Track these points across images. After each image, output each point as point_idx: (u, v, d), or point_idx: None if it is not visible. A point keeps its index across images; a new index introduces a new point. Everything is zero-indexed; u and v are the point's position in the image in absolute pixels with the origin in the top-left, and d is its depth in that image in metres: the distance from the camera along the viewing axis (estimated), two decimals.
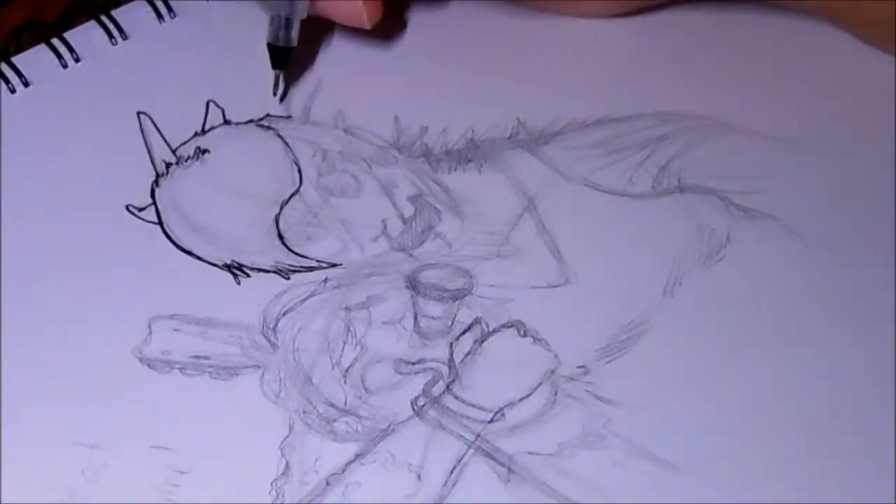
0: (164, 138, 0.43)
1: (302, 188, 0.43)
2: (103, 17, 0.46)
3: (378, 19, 0.43)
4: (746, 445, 0.37)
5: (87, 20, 0.47)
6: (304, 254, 0.41)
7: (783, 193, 0.42)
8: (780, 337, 0.39)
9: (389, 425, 0.37)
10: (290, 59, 0.44)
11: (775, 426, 0.37)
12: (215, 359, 0.38)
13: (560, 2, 0.46)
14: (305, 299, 0.40)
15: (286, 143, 0.44)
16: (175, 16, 0.47)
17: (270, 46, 0.44)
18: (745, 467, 0.37)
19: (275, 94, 0.44)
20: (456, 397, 0.38)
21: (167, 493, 0.36)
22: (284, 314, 0.40)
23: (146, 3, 0.47)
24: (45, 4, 0.48)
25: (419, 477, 0.36)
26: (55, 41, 0.46)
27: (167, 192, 0.42)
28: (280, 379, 0.38)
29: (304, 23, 0.44)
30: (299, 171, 0.43)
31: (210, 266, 0.41)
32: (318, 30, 0.46)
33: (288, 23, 0.43)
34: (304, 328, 0.39)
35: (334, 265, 0.41)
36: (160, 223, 0.42)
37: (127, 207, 0.42)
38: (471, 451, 0.37)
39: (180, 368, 0.38)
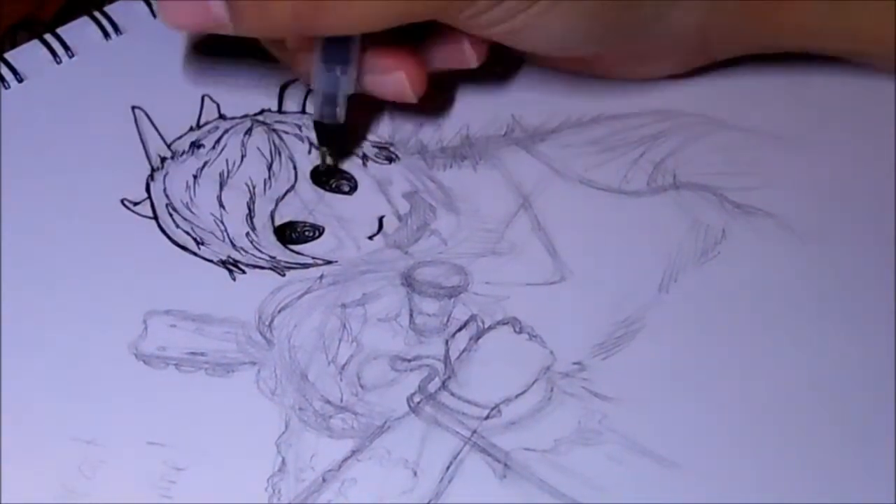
0: (158, 133, 0.43)
1: (297, 184, 0.42)
2: (97, 13, 0.46)
3: (423, 91, 0.41)
4: (743, 442, 0.37)
5: None
6: (300, 250, 0.41)
7: (778, 190, 0.42)
8: (776, 333, 0.39)
9: (385, 422, 0.37)
10: (337, 137, 0.42)
11: (772, 422, 0.37)
12: (211, 355, 0.38)
13: (615, 67, 0.44)
14: (301, 296, 0.40)
15: (282, 139, 0.43)
16: None
17: (318, 124, 0.42)
18: (741, 463, 0.37)
19: (322, 169, 0.42)
20: (452, 394, 0.38)
21: (164, 489, 0.36)
22: (280, 311, 0.40)
23: None
24: (42, 3, 0.48)
25: (415, 473, 0.36)
26: (49, 37, 0.45)
27: (162, 186, 0.42)
28: (276, 376, 0.38)
29: None
30: (294, 167, 0.43)
31: (205, 262, 0.41)
32: None
33: (334, 99, 0.41)
34: (299, 325, 0.39)
35: (330, 262, 0.41)
36: (155, 218, 0.42)
37: (122, 202, 0.42)
38: (467, 447, 0.37)
39: (176, 365, 0.38)
